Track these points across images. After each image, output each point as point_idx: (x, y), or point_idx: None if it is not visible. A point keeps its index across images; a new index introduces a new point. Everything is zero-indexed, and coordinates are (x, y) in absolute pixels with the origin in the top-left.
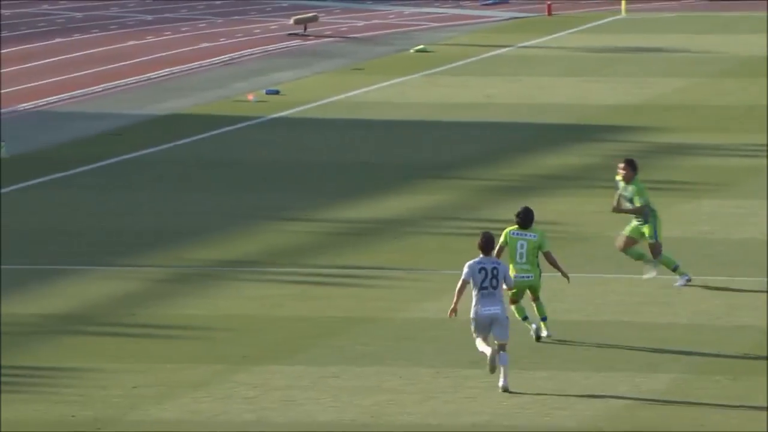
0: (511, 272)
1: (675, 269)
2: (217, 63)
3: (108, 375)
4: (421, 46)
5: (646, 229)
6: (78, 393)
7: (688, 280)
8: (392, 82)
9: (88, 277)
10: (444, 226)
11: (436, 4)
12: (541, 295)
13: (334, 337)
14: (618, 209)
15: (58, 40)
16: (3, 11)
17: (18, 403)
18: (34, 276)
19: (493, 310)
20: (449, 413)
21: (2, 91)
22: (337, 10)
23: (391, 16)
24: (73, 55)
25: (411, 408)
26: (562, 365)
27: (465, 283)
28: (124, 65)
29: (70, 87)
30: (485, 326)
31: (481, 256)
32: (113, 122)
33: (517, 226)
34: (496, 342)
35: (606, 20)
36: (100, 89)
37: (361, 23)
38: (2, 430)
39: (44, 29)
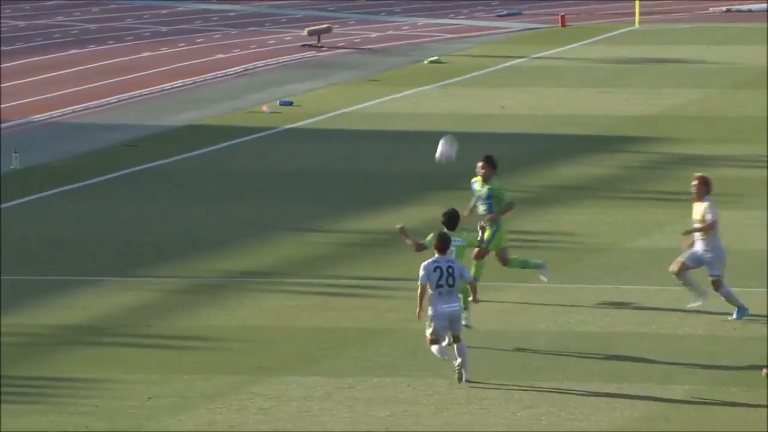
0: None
1: (525, 267)
2: (232, 74)
3: (124, 386)
4: (435, 57)
5: (487, 233)
6: (94, 404)
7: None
8: (406, 93)
9: (104, 288)
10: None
11: (450, 16)
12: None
13: (350, 348)
14: (469, 217)
15: (73, 51)
16: (18, 23)
17: (34, 414)
18: (50, 287)
19: (453, 306)
20: (464, 424)
21: (17, 102)
22: (351, 22)
23: (405, 28)
24: (88, 66)
25: (426, 419)
26: (578, 376)
27: (423, 287)
28: (138, 76)
29: (84, 98)
30: (445, 325)
31: (437, 255)
32: (128, 133)
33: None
34: (451, 335)
35: (619, 31)
36: (115, 100)
37: (374, 34)
38: None
39: (59, 40)
